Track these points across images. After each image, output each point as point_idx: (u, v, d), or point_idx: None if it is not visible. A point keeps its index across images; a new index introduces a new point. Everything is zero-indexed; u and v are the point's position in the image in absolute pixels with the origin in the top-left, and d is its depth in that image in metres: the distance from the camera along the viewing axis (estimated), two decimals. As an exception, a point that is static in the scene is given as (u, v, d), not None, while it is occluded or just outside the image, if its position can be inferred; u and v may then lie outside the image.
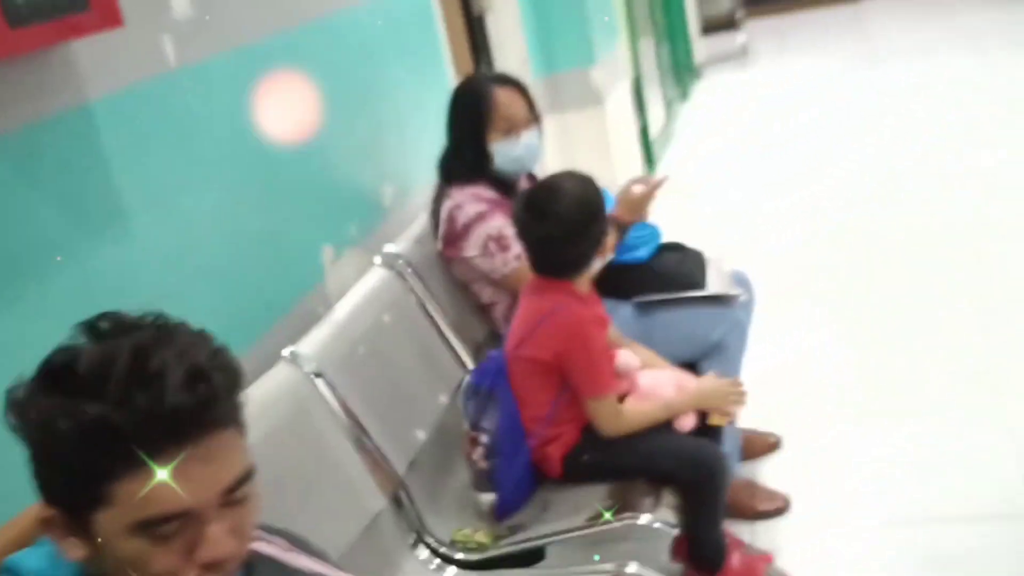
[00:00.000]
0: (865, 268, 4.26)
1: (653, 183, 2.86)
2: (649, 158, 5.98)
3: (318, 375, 2.01)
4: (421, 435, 2.27)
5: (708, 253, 3.07)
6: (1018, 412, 3.03)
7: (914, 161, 5.45)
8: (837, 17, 10.12)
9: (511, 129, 2.69)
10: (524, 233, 2.31)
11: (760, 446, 3.10)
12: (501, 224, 2.60)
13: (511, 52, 4.20)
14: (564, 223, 2.23)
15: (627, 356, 2.39)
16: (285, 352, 2.00)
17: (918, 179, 5.19)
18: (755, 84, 8.22)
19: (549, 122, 4.53)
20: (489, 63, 4.11)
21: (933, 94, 6.74)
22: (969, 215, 4.57)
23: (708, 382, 2.39)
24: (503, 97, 2.69)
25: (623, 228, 2.74)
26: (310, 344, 2.06)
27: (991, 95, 6.42)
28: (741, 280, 3.05)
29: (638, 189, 2.82)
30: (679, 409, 2.29)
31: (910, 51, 8.21)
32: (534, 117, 2.76)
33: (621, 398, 2.32)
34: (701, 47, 8.67)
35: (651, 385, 2.35)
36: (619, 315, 2.70)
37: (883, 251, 4.38)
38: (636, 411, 2.30)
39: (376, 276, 2.47)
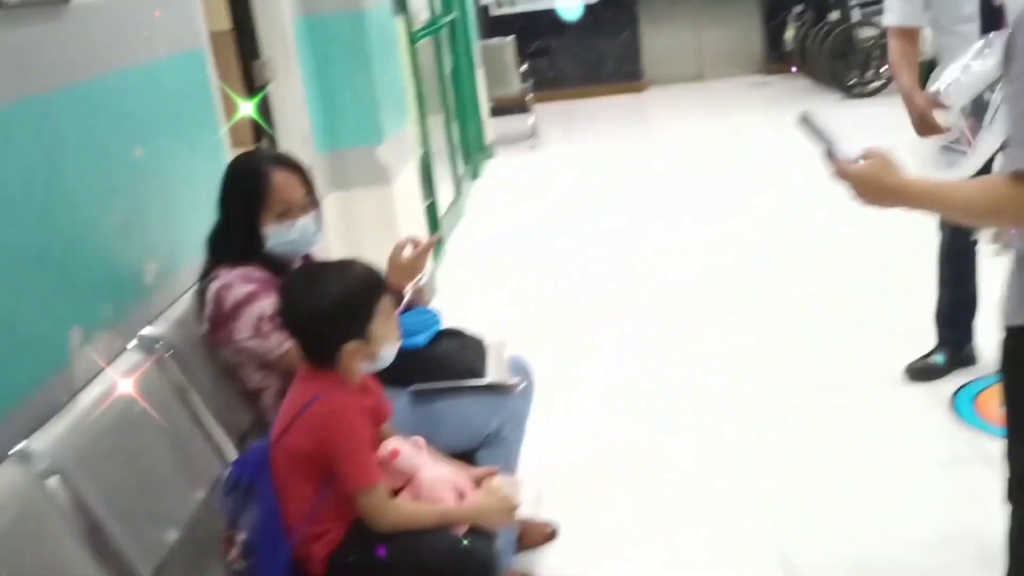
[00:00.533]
0: (641, 343, 4.39)
1: (424, 245, 2.81)
2: (436, 236, 5.97)
3: (52, 474, 1.82)
4: (172, 535, 2.10)
5: (489, 339, 3.04)
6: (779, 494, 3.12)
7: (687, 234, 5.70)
8: (621, 104, 10.54)
9: (286, 213, 2.58)
10: (283, 319, 2.23)
11: (537, 536, 3.06)
12: (272, 303, 2.48)
13: (294, 126, 4.10)
14: (319, 314, 2.15)
15: (402, 449, 2.31)
16: (12, 450, 1.80)
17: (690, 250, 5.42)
18: (544, 163, 8.43)
19: (333, 199, 4.45)
20: (271, 136, 4.00)
21: (705, 174, 7.15)
22: (718, 282, 4.90)
23: (485, 501, 2.31)
24: (280, 179, 2.58)
25: (400, 295, 2.67)
26: (45, 439, 1.87)
27: (749, 170, 6.99)
28: (520, 368, 3.02)
29: (408, 252, 2.77)
30: (453, 521, 2.21)
31: (684, 137, 8.71)
32: (312, 201, 2.66)
33: (397, 492, 2.23)
34: (492, 127, 8.80)
35: (429, 484, 2.27)
36: (394, 403, 2.61)
37: (656, 327, 4.51)
38: (408, 509, 2.20)
39: (130, 361, 2.29)
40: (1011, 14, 1.78)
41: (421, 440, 2.41)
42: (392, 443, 2.30)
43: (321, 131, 4.39)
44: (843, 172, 1.93)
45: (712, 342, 4.36)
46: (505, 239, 6.47)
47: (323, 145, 4.40)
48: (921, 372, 3.77)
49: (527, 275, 5.60)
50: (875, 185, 1.90)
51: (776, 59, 10.97)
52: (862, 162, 1.92)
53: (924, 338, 3.80)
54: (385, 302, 2.24)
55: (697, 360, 4.20)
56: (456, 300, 5.22)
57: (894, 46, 3.54)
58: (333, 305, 2.15)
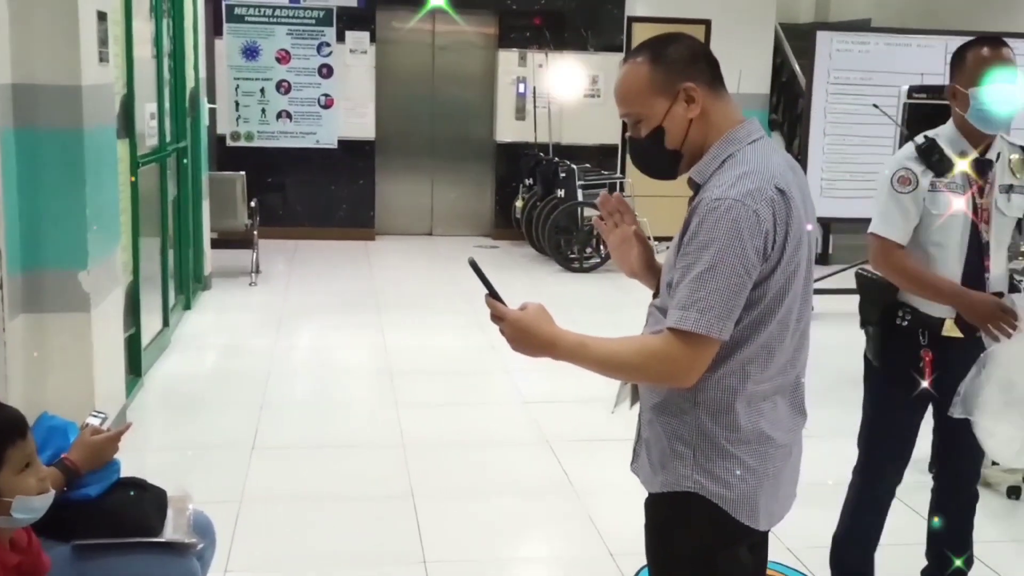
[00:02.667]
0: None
1: (115, 432, 2.65)
2: (137, 368, 5.65)
3: None
4: None
5: (173, 491, 2.86)
6: None
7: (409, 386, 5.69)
8: (349, 250, 10.56)
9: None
10: None
11: None
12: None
13: (-15, 240, 3.81)
14: None
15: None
16: None
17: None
18: (262, 299, 8.26)
19: (22, 323, 4.14)
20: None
21: (417, 326, 7.18)
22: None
23: None
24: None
25: (74, 474, 2.48)
26: None
27: (460, 325, 6.98)
28: (203, 525, 2.86)
29: (98, 437, 2.60)
30: None
31: (406, 288, 8.96)
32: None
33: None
34: (213, 259, 8.56)
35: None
36: (52, 559, 2.38)
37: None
38: None
39: None
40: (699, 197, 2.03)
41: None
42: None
43: (18, 249, 4.09)
44: (500, 315, 2.02)
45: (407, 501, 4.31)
46: (209, 374, 6.23)
47: (18, 264, 4.10)
48: None
49: (227, 414, 5.39)
50: (529, 332, 2.00)
51: (505, 225, 11.39)
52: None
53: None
54: (18, 452, 2.04)
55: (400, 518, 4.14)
56: (147, 439, 4.94)
57: (899, 258, 3.10)
58: None
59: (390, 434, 5.16)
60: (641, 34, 11.30)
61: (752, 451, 2.04)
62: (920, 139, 3.10)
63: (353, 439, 5.13)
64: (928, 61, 7.96)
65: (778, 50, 11.26)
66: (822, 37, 8.10)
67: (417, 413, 5.52)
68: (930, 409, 3.21)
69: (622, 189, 10.13)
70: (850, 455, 5.12)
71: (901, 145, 3.17)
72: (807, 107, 8.21)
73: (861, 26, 10.71)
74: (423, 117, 11.58)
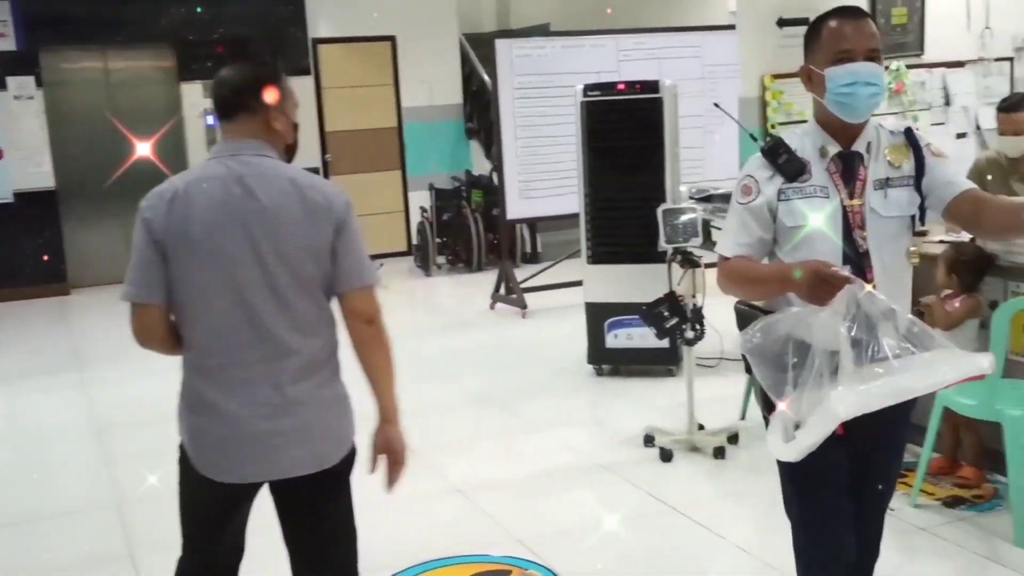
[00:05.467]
0: None
1: None
2: None
3: None
4: None
5: None
6: None
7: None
8: (42, 308, 9.85)
9: None
10: None
11: None
12: None
13: None
14: None
15: None
16: None
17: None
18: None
19: None
20: None
21: (129, 378, 6.77)
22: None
23: None
24: None
25: None
26: None
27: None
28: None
29: None
30: None
31: (113, 341, 8.28)
32: None
33: None
34: None
35: None
36: None
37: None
38: None
39: None
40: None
41: None
42: None
43: None
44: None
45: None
46: None
47: None
48: None
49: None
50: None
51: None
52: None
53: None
54: None
55: None
56: None
57: (726, 266, 2.61)
58: None
59: (102, 494, 4.82)
60: (327, 55, 11.24)
61: (199, 414, 2.52)
62: (767, 140, 2.62)
63: (61, 506, 4.74)
64: (601, 60, 8.34)
65: (466, 60, 11.49)
66: (501, 45, 8.32)
67: (131, 466, 5.16)
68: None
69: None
70: (569, 443, 5.29)
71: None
72: (496, 113, 8.41)
73: (541, 31, 11.11)
74: (107, 159, 10.92)
